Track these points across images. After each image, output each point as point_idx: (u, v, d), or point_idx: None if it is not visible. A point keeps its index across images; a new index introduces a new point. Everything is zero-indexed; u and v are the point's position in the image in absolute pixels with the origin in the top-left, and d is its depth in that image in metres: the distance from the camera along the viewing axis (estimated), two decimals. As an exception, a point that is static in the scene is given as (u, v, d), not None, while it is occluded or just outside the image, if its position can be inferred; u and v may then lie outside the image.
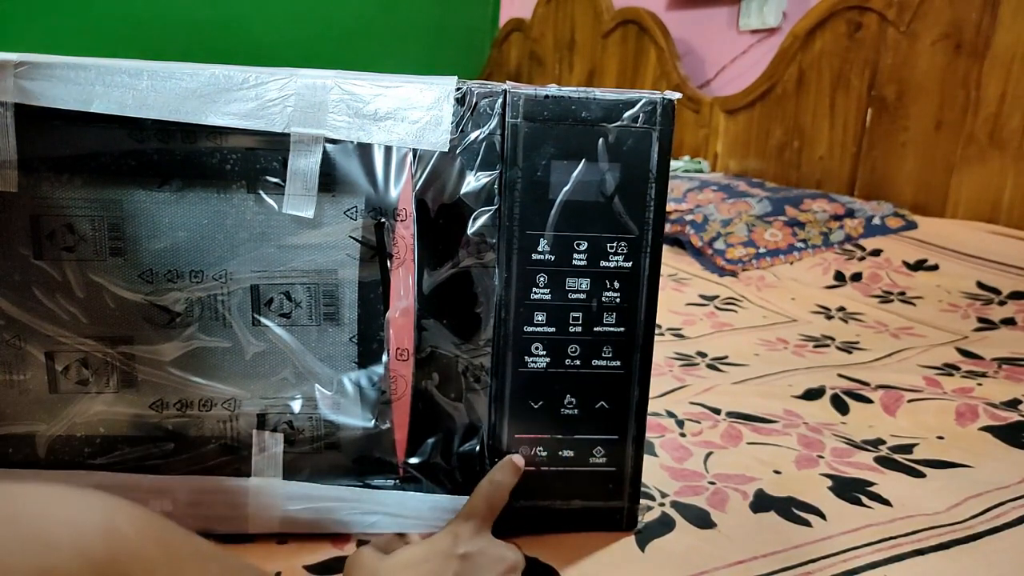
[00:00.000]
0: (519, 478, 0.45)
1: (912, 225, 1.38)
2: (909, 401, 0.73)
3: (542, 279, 0.45)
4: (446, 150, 0.42)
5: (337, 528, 0.47)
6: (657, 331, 1.01)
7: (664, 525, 0.50)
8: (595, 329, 0.46)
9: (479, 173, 0.43)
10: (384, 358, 0.45)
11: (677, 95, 0.44)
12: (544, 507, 0.48)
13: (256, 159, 0.42)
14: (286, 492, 0.46)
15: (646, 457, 0.52)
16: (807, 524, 0.51)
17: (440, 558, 0.40)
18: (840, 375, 0.82)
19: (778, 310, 1.12)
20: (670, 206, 1.57)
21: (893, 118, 1.54)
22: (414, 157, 0.43)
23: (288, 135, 0.41)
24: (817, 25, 1.69)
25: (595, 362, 0.46)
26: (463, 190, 0.43)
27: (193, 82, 0.40)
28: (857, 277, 1.25)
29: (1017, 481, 0.58)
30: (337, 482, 0.46)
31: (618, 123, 0.43)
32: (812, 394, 0.76)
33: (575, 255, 0.44)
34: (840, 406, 0.73)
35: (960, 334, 1.00)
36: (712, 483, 0.56)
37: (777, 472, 0.58)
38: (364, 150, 0.42)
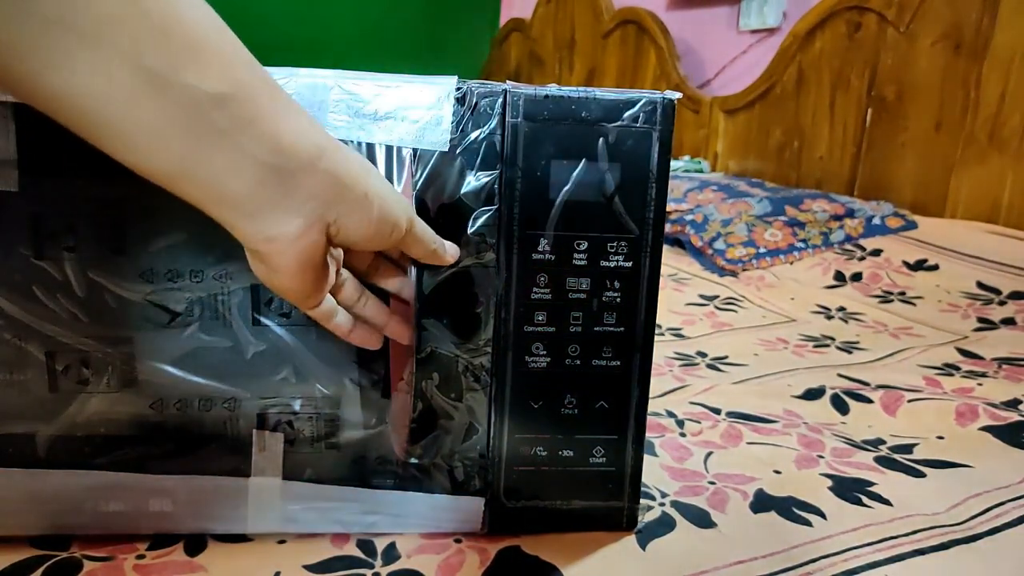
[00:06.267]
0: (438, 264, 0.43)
1: (912, 225, 1.38)
2: (909, 401, 0.73)
3: (542, 279, 0.45)
4: (446, 150, 0.42)
5: (337, 528, 0.47)
6: (657, 331, 1.01)
7: (664, 525, 0.50)
8: (595, 329, 0.46)
9: (479, 173, 0.43)
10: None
11: (677, 95, 0.44)
12: (544, 507, 0.48)
13: (256, 159, 0.42)
14: (286, 492, 0.46)
15: (646, 457, 0.52)
16: (807, 524, 0.51)
17: None
18: (840, 375, 0.82)
19: (778, 310, 1.12)
20: (670, 206, 1.57)
21: (893, 118, 1.54)
22: (414, 157, 0.43)
23: (288, 135, 0.41)
24: (817, 25, 1.69)
25: (595, 362, 0.46)
26: (463, 190, 0.43)
27: (193, 82, 0.40)
28: (857, 277, 1.25)
29: (1017, 481, 0.58)
30: (337, 482, 0.46)
31: (618, 123, 0.43)
32: (812, 394, 0.76)
33: (575, 255, 0.44)
34: (840, 406, 0.73)
35: (960, 334, 1.00)
36: (712, 483, 0.56)
37: (777, 472, 0.58)
38: (364, 150, 0.42)
